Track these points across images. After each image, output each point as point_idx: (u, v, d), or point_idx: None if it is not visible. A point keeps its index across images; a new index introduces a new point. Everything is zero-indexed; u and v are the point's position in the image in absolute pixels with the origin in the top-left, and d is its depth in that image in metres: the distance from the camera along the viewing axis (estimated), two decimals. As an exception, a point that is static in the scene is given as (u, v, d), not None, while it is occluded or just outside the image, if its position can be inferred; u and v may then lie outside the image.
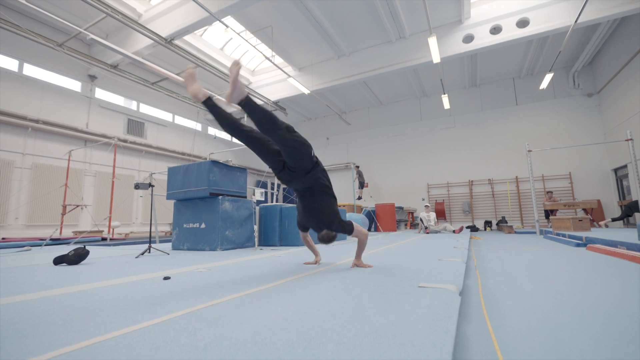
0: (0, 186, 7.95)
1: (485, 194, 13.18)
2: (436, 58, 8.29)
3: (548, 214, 9.80)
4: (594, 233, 5.61)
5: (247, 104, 1.87)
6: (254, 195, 12.93)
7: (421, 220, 8.72)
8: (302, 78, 11.92)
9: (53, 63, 9.27)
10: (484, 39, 9.13)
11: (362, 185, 12.53)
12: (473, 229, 11.49)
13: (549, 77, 9.53)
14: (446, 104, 11.64)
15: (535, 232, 8.36)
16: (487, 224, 12.25)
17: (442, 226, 8.51)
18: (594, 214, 9.94)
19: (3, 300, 1.49)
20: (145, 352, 0.82)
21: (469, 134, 13.74)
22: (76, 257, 2.92)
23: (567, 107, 12.14)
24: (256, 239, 4.88)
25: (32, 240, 6.48)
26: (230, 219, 4.44)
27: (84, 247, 3.05)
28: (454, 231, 8.42)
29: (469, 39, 9.31)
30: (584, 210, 9.37)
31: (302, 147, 2.01)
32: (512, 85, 13.19)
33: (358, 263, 2.43)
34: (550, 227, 8.16)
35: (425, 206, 8.83)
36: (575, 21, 7.19)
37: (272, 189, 11.81)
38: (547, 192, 10.10)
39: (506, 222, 11.62)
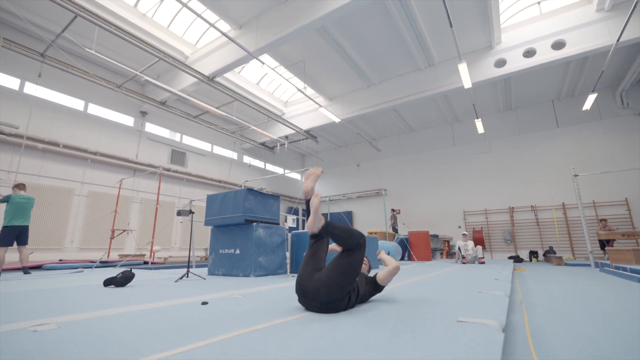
0: (60, 212, 8.79)
1: (529, 221, 12.29)
2: (467, 84, 8.23)
3: (603, 244, 8.87)
4: (662, 267, 4.98)
5: (327, 228, 1.96)
6: (286, 222, 13.11)
7: (459, 249, 8.27)
8: (333, 107, 12.30)
9: (111, 102, 10.42)
10: (517, 63, 8.96)
11: (395, 230, 12.26)
12: (517, 259, 10.66)
13: (592, 97, 9.03)
14: (480, 129, 11.33)
15: (589, 265, 7.57)
16: (533, 254, 11.31)
17: (472, 249, 8.02)
18: (660, 246, 8.85)
19: (63, 319, 1.63)
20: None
21: (507, 159, 13.13)
22: (123, 280, 3.13)
23: (615, 128, 11.30)
24: (288, 266, 4.90)
25: (84, 262, 7.01)
26: (263, 246, 4.54)
27: (131, 270, 3.26)
28: (479, 259, 7.91)
29: (501, 63, 9.19)
30: (648, 240, 8.38)
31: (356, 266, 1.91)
32: (551, 108, 12.61)
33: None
34: (607, 259, 7.36)
35: (463, 234, 8.40)
36: (618, 40, 6.88)
37: (304, 215, 11.90)
38: (601, 220, 9.21)
39: (554, 253, 10.65)
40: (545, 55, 8.56)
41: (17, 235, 4.96)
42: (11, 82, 8.44)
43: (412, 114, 14.16)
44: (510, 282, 3.40)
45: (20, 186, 5.26)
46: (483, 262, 7.79)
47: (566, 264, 8.55)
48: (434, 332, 1.31)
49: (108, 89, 9.52)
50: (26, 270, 4.91)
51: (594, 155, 11.43)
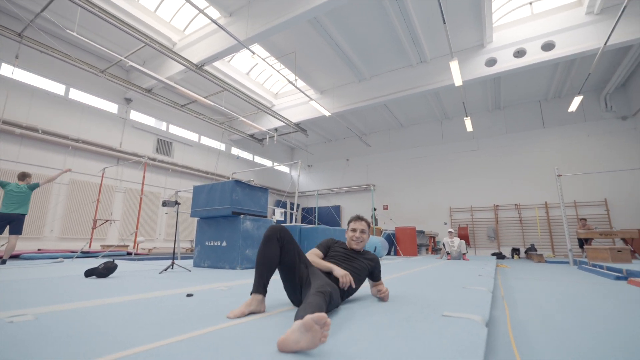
0: (39, 200, 8.49)
1: (512, 219, 12.62)
2: (458, 81, 8.30)
3: (582, 242, 9.20)
4: (636, 265, 5.20)
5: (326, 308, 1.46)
6: (274, 215, 13.06)
7: (444, 245, 8.43)
8: (324, 101, 12.23)
9: (94, 87, 10.05)
10: (507, 63, 9.09)
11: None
12: (499, 256, 10.94)
13: (578, 99, 9.26)
14: (469, 127, 11.49)
15: (568, 262, 7.85)
16: (515, 251, 11.64)
17: (457, 244, 8.18)
18: (635, 245, 9.24)
19: (41, 310, 1.57)
20: (173, 367, 0.85)
21: (494, 157, 13.40)
22: (105, 271, 3.05)
23: (599, 130, 11.65)
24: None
25: (64, 252, 6.81)
26: (250, 238, 4.50)
27: (113, 261, 3.18)
28: (463, 255, 8.08)
29: (491, 62, 9.30)
30: (623, 240, 8.74)
31: None
32: (538, 108, 12.88)
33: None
34: (585, 257, 7.64)
35: (449, 232, 8.55)
36: (605, 44, 7.04)
37: (292, 209, 11.89)
38: (581, 220, 9.54)
39: (535, 250, 10.99)
40: (535, 55, 8.70)
41: (7, 223, 4.85)
42: (-14, 63, 8.02)
43: (403, 110, 14.23)
44: (493, 278, 3.48)
45: (19, 176, 5.20)
46: (467, 259, 7.96)
47: (546, 261, 8.84)
48: (419, 326, 1.32)
49: (91, 73, 9.17)
50: (3, 260, 4.73)
51: (577, 156, 11.77)
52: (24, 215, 5.02)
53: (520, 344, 1.52)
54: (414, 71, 10.54)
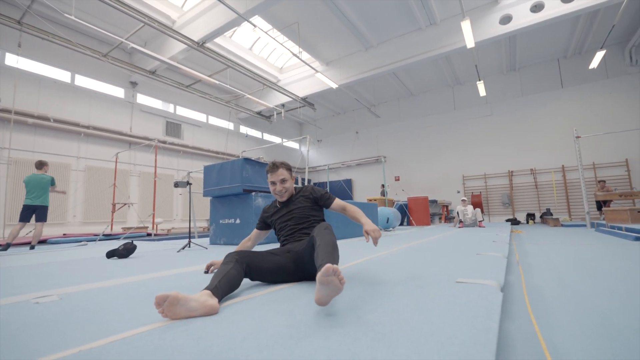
0: (59, 187, 8.76)
1: (527, 185, 12.36)
2: (470, 43, 7.85)
3: (600, 205, 8.97)
4: (657, 226, 5.06)
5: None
6: (285, 191, 13.19)
7: (457, 213, 8.37)
8: (330, 72, 11.86)
9: (99, 72, 10.01)
10: (523, 19, 8.49)
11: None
12: (514, 222, 10.85)
13: (600, 54, 8.67)
14: (482, 91, 11.02)
15: (585, 225, 7.72)
16: (530, 216, 11.50)
17: (472, 213, 8.10)
18: (657, 205, 8.97)
19: (65, 290, 1.65)
20: (189, 341, 0.87)
21: (508, 122, 12.92)
22: (125, 251, 3.16)
23: (622, 87, 10.98)
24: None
25: (87, 236, 7.11)
26: (263, 215, 4.56)
27: (132, 242, 3.29)
28: (479, 223, 8.00)
29: (506, 19, 8.70)
30: (644, 200, 8.47)
31: None
32: (556, 67, 12.17)
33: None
34: (603, 219, 7.48)
35: (462, 200, 8.45)
36: (632, -10, 6.44)
37: (302, 184, 11.92)
38: (599, 182, 9.24)
39: (551, 215, 10.83)
40: (554, 9, 8.08)
41: (33, 212, 5.03)
42: (-9, 54, 8.04)
43: (412, 78, 13.71)
44: (507, 243, 3.45)
45: (36, 164, 5.28)
46: (483, 226, 7.91)
47: (562, 225, 8.72)
48: (433, 294, 1.32)
49: (94, 58, 9.10)
50: (31, 246, 4.98)
51: (596, 116, 11.23)
52: (46, 207, 5.19)
53: (536, 308, 1.51)
54: (423, 35, 10.00)
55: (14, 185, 7.95)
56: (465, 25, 7.14)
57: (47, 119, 8.60)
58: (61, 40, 8.25)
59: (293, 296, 1.36)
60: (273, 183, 1.88)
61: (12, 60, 8.20)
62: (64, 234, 8.01)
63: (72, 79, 9.49)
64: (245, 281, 1.71)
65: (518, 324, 1.32)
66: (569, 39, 10.91)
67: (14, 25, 7.61)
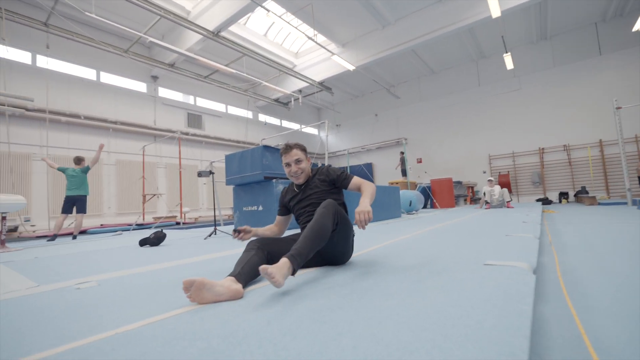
0: (93, 182, 9.28)
1: (560, 162, 11.67)
2: (496, 12, 7.34)
3: (645, 181, 8.32)
4: None
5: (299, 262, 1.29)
6: (306, 177, 13.26)
7: (484, 194, 8.09)
8: (347, 54, 11.56)
9: (122, 68, 10.31)
10: (556, -19, 7.79)
11: (405, 172, 11.92)
12: (545, 201, 10.35)
13: (645, 15, 7.85)
14: (509, 64, 10.36)
15: (626, 203, 7.23)
16: (563, 195, 10.92)
17: (499, 194, 7.79)
18: None
19: (103, 276, 1.75)
20: (216, 324, 0.90)
21: (538, 96, 12.13)
22: (156, 240, 3.31)
23: (670, 50, 9.95)
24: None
25: (122, 226, 7.53)
26: (285, 201, 4.61)
27: (162, 230, 3.43)
28: (507, 203, 7.66)
29: (536, -17, 8.03)
30: (695, 174, 7.78)
31: None
32: (594, 32, 11.18)
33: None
34: (647, 195, 6.96)
35: (489, 180, 8.13)
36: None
37: (322, 167, 11.86)
38: (644, 155, 8.55)
39: (587, 193, 10.22)
40: (591, -33, 7.34)
41: (73, 204, 5.37)
42: (23, 57, 8.45)
43: (433, 54, 13.09)
44: (539, 224, 3.30)
45: (75, 160, 5.63)
46: (512, 207, 7.61)
47: (599, 204, 8.22)
48: (459, 277, 1.28)
49: (116, 54, 9.35)
50: (74, 236, 5.34)
51: (639, 83, 10.28)
52: (85, 195, 5.52)
53: (572, 291, 1.43)
54: (443, 7, 9.45)
55: (54, 180, 8.48)
56: (491, -7, 6.68)
57: (78, 116, 9.02)
58: (85, 39, 8.52)
59: (313, 281, 1.37)
60: (288, 165, 1.80)
61: (43, 61, 8.60)
62: (101, 225, 8.53)
63: (98, 76, 9.84)
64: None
65: (552, 307, 1.25)
66: (609, 0, 9.94)
67: (41, 27, 7.93)
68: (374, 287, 1.21)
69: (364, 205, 1.46)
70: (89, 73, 9.65)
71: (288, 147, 1.80)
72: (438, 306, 0.93)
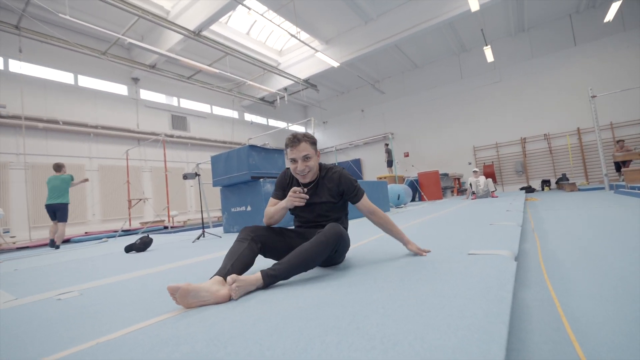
0: (76, 188, 9.01)
1: (541, 151, 12.01)
2: (474, 6, 7.47)
3: (619, 166, 8.65)
4: (680, 183, 4.87)
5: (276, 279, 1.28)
6: (294, 175, 13.22)
7: (470, 185, 8.25)
8: (330, 51, 11.55)
9: (101, 71, 10.02)
10: (531, -26, 7.96)
11: (390, 163, 12.03)
12: (528, 190, 10.64)
13: (616, 5, 8.14)
14: (489, 57, 10.57)
15: (603, 188, 7.50)
16: (545, 183, 11.25)
17: (484, 182, 7.95)
18: (680, 162, 8.60)
19: (85, 286, 1.70)
20: (201, 328, 0.89)
21: (518, 87, 12.42)
22: (142, 245, 3.25)
23: (641, 39, 10.33)
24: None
25: (107, 233, 7.35)
26: (273, 201, 4.59)
27: (148, 235, 3.37)
28: (491, 193, 7.85)
29: (513, -24, 8.19)
30: (667, 158, 8.12)
31: None
32: (568, 24, 11.50)
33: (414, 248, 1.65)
34: (623, 180, 7.24)
35: (474, 171, 8.30)
36: None
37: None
38: (618, 142, 8.88)
39: (567, 180, 10.56)
40: (564, -40, 7.54)
41: (54, 212, 5.28)
42: (-6, 62, 8.11)
43: (416, 49, 13.23)
44: (521, 212, 3.39)
45: (54, 167, 5.51)
46: (496, 197, 7.78)
47: (579, 190, 8.51)
48: (444, 267, 1.30)
49: (93, 57, 9.09)
50: (52, 244, 5.19)
51: (613, 72, 10.66)
52: (65, 204, 5.37)
53: (553, 275, 1.48)
54: (423, 2, 9.54)
55: (33, 190, 8.20)
56: (469, -13, 6.78)
57: (56, 122, 8.73)
58: (60, 41, 8.24)
59: (303, 280, 1.37)
60: (293, 160, 1.52)
61: (16, 66, 8.27)
62: (86, 233, 8.30)
63: (75, 79, 9.54)
64: (259, 258, 1.70)
65: (534, 291, 1.29)
66: (582, -8, 10.25)
67: (12, 30, 7.62)
68: (361, 281, 1.22)
69: (414, 244, 1.64)
70: (66, 77, 9.34)
71: (296, 140, 1.51)
72: (422, 297, 0.95)
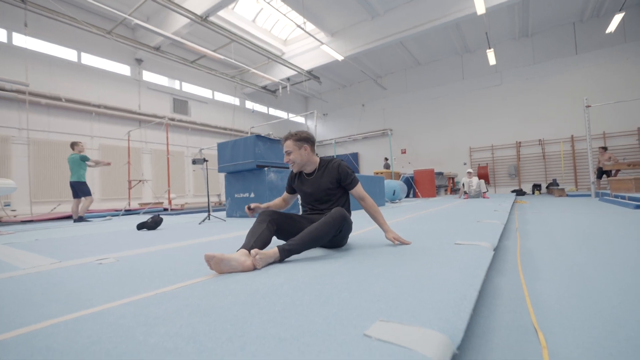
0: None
1: (535, 155, 12.33)
2: (480, 9, 7.61)
3: (602, 172, 8.75)
4: (659, 194, 5.18)
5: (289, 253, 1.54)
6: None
7: (463, 185, 8.54)
8: (335, 44, 11.62)
9: (104, 50, 10.00)
10: (538, -19, 8.11)
11: (387, 167, 12.27)
12: (519, 193, 10.98)
13: (618, 17, 8.33)
14: (492, 60, 10.75)
15: (590, 195, 7.83)
16: (536, 187, 11.60)
17: (477, 183, 8.25)
18: (665, 174, 8.91)
19: (118, 254, 1.92)
20: (239, 286, 1.11)
21: (518, 91, 12.66)
22: (153, 224, 3.46)
23: None
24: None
25: (110, 212, 7.52)
26: (276, 189, 4.80)
27: (159, 215, 3.57)
28: (483, 194, 8.15)
29: (520, -18, 8.32)
30: (653, 169, 8.42)
31: None
32: (571, 32, 11.69)
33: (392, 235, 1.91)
34: (608, 189, 7.57)
35: (468, 172, 8.58)
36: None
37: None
38: (600, 148, 8.91)
39: (557, 185, 10.91)
40: (571, -30, 7.68)
41: (75, 190, 5.59)
42: (-1, 34, 8.09)
43: (420, 47, 13.34)
44: (508, 212, 3.65)
45: (70, 145, 5.73)
46: (488, 197, 8.08)
47: (568, 195, 8.84)
48: (434, 253, 1.54)
49: (99, 36, 9.07)
50: (80, 219, 5.55)
51: (610, 83, 10.93)
52: (78, 182, 5.57)
53: (527, 267, 1.72)
54: (431, 1, 9.64)
55: (35, 164, 8.29)
56: (476, -9, 6.91)
57: (58, 99, 8.77)
58: (66, 17, 8.22)
59: (315, 257, 1.60)
60: (286, 153, 1.88)
61: (21, 40, 8.25)
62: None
63: (79, 57, 9.53)
64: (273, 239, 1.94)
65: (507, 278, 1.54)
66: (587, 0, 10.41)
67: (18, 3, 7.59)
68: (365, 259, 1.45)
69: (393, 232, 1.88)
70: (69, 54, 9.33)
71: (284, 138, 1.88)
72: (415, 271, 1.18)
